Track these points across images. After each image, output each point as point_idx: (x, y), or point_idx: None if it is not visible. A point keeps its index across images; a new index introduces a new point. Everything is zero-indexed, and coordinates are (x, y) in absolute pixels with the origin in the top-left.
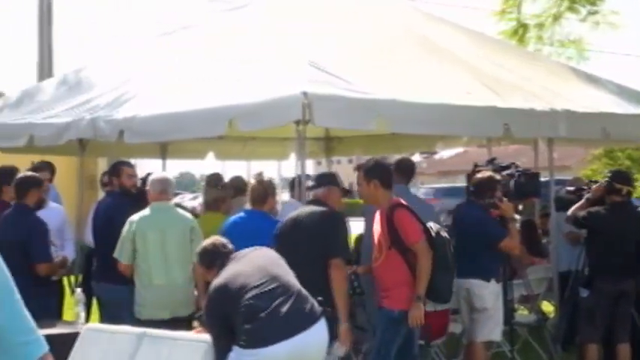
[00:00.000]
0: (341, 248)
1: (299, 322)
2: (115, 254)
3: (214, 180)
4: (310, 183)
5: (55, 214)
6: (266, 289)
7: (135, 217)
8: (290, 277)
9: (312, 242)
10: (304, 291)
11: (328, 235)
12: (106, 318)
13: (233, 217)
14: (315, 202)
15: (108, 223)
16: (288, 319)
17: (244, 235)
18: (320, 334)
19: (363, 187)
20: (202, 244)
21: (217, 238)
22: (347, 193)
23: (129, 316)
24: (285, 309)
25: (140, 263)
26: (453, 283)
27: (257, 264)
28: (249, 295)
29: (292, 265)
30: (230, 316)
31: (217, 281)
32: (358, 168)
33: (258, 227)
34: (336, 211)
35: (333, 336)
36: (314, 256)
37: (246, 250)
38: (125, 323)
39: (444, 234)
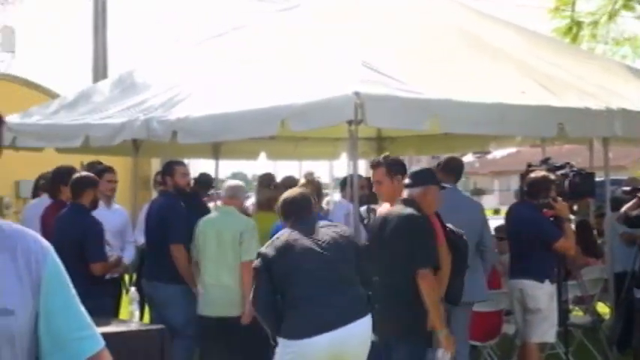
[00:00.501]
0: (424, 257)
1: (342, 315)
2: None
3: (267, 180)
4: (407, 181)
5: (117, 215)
6: (318, 275)
7: (203, 218)
8: (347, 266)
9: (396, 246)
10: (356, 283)
11: (410, 244)
12: (155, 317)
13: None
14: (408, 201)
15: (160, 222)
16: (332, 311)
17: None
18: (362, 330)
19: (386, 184)
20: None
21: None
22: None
23: (177, 316)
24: (331, 301)
25: (199, 262)
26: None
27: (323, 242)
28: (301, 276)
29: (381, 263)
30: (277, 277)
31: (280, 240)
32: (375, 165)
33: None
34: (420, 216)
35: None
36: (399, 260)
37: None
38: (173, 323)
39: (465, 237)
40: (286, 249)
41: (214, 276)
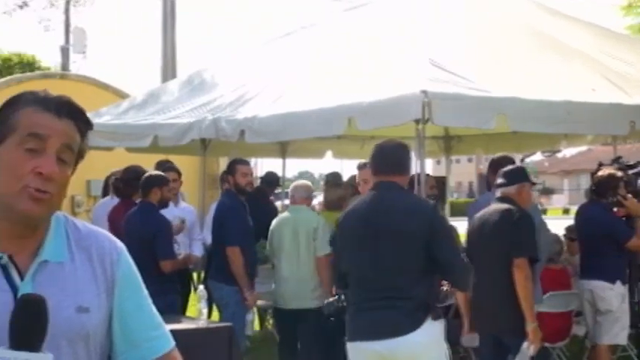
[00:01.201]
0: (525, 247)
1: (388, 327)
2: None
3: (334, 179)
4: (499, 180)
5: (185, 213)
6: (370, 284)
7: (278, 217)
8: (405, 276)
9: (497, 241)
10: (413, 293)
11: (513, 235)
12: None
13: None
14: (504, 199)
15: (218, 223)
16: (373, 324)
17: None
18: (407, 346)
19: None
20: None
21: None
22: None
23: (232, 317)
24: (372, 313)
25: (275, 258)
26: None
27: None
28: (354, 280)
29: (482, 264)
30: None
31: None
32: (362, 167)
33: None
34: (522, 209)
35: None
36: (498, 256)
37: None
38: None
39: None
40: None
41: (290, 271)
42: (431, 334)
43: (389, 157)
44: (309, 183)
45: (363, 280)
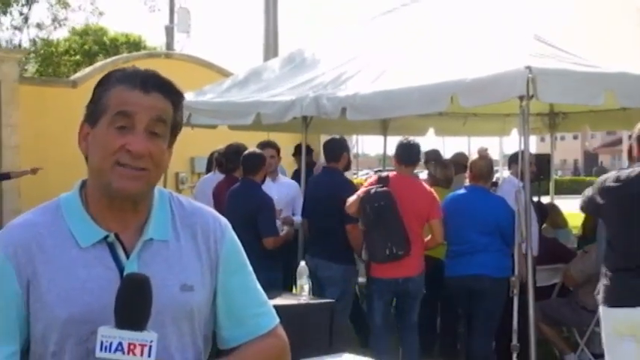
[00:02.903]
0: None
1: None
2: None
3: (437, 156)
4: None
5: (285, 187)
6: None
7: None
8: None
9: None
10: None
11: None
12: (318, 292)
13: (454, 193)
14: None
15: (328, 199)
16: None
17: (464, 211)
18: None
19: None
20: None
21: None
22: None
23: (341, 295)
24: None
25: None
26: None
27: None
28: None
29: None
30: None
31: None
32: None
33: (479, 202)
34: None
35: None
36: None
37: None
38: (336, 299)
39: None
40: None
41: None
42: None
43: None
44: None
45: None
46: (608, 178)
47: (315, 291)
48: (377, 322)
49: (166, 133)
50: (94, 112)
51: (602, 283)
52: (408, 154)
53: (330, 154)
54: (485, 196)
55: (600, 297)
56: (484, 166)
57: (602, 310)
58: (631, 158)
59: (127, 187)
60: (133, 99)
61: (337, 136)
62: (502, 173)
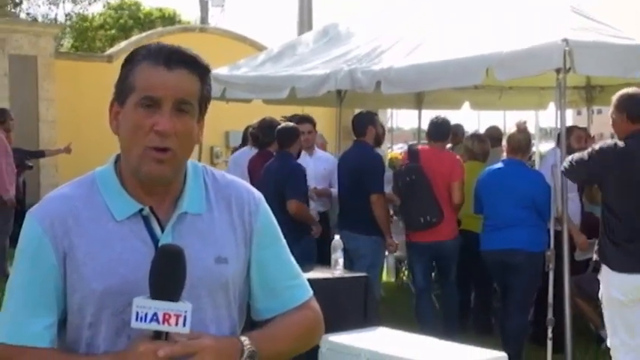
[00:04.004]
0: None
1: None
2: None
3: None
4: None
5: (322, 161)
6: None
7: None
8: None
9: None
10: None
11: None
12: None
13: (490, 167)
14: None
15: (355, 172)
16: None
17: (501, 184)
18: None
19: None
20: None
21: None
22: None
23: (370, 267)
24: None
25: None
26: None
27: None
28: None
29: None
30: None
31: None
32: None
33: (516, 176)
34: None
35: None
36: None
37: None
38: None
39: None
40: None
41: None
42: None
43: None
44: None
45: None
46: (609, 147)
47: (346, 264)
48: (419, 284)
49: (194, 108)
50: (122, 91)
51: (609, 249)
52: (437, 131)
53: (357, 128)
54: (522, 170)
55: (608, 262)
56: (522, 140)
57: (611, 275)
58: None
59: (153, 171)
60: (158, 77)
61: (363, 111)
62: (538, 147)
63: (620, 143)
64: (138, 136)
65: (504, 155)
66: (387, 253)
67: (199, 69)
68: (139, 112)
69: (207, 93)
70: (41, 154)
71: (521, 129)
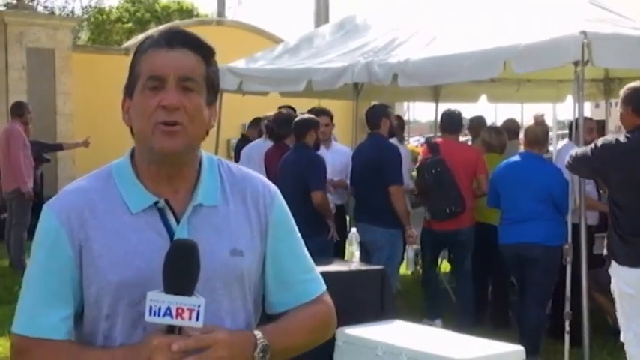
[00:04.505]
0: None
1: None
2: None
3: (479, 122)
4: None
5: (339, 154)
6: None
7: None
8: None
9: None
10: None
11: None
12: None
13: (508, 160)
14: None
15: (371, 164)
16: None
17: (518, 178)
18: None
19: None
20: None
21: None
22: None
23: (388, 260)
24: None
25: None
26: None
27: None
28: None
29: None
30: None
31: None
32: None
33: (533, 170)
34: None
35: None
36: None
37: None
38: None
39: None
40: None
41: None
42: None
43: None
44: None
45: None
46: (610, 143)
47: (362, 257)
48: (428, 270)
49: (200, 87)
50: (130, 85)
51: (615, 243)
52: (450, 123)
53: (371, 121)
54: (539, 163)
55: (616, 256)
56: (539, 133)
57: (619, 269)
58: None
59: (165, 145)
60: (161, 58)
61: (377, 104)
62: (555, 140)
63: (622, 138)
64: (147, 116)
65: (521, 148)
66: (406, 245)
67: (202, 49)
68: (146, 94)
69: (214, 74)
70: (59, 147)
71: (539, 122)
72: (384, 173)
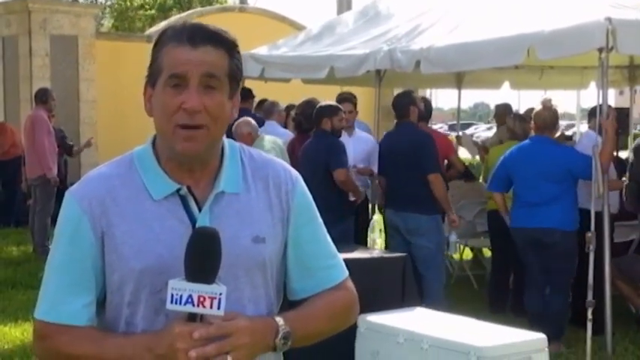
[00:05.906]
0: None
1: None
2: None
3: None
4: None
5: (362, 142)
6: None
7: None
8: None
9: None
10: None
11: None
12: (394, 244)
13: (518, 144)
14: None
15: (419, 150)
16: None
17: (530, 161)
18: None
19: None
20: None
21: None
22: None
23: (437, 245)
24: None
25: None
26: None
27: None
28: None
29: None
30: None
31: None
32: None
33: (544, 153)
34: None
35: None
36: None
37: None
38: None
39: None
40: None
41: None
42: None
43: None
44: None
45: None
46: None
47: (403, 245)
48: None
49: (223, 84)
50: (152, 74)
51: None
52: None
53: (399, 110)
54: (551, 145)
55: None
56: (548, 117)
57: None
58: None
59: (187, 149)
60: (183, 56)
61: (402, 91)
62: (579, 127)
63: None
64: (168, 116)
65: (532, 133)
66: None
67: (225, 44)
68: (168, 91)
69: (237, 68)
70: (70, 151)
71: (547, 106)
72: (421, 162)
